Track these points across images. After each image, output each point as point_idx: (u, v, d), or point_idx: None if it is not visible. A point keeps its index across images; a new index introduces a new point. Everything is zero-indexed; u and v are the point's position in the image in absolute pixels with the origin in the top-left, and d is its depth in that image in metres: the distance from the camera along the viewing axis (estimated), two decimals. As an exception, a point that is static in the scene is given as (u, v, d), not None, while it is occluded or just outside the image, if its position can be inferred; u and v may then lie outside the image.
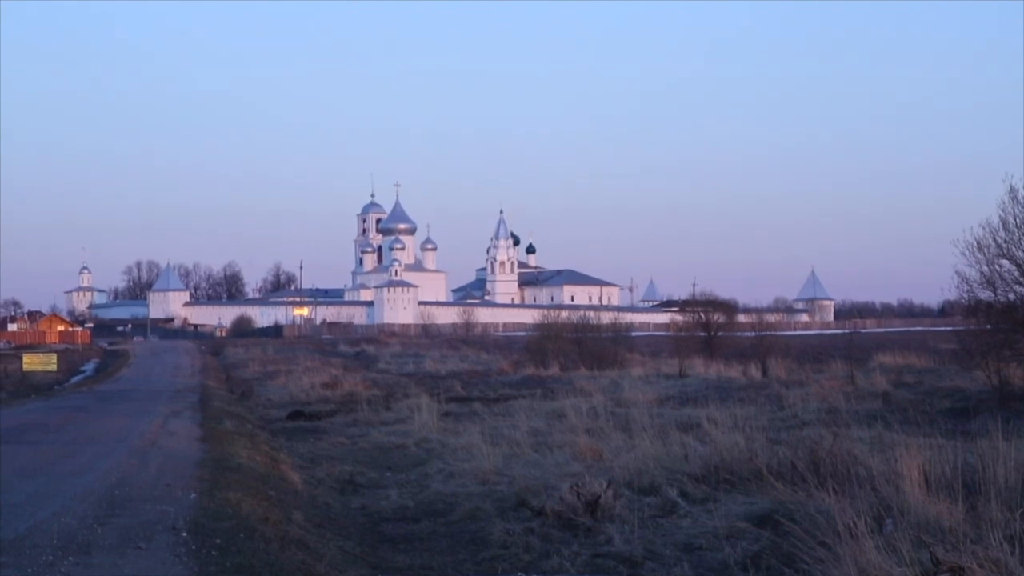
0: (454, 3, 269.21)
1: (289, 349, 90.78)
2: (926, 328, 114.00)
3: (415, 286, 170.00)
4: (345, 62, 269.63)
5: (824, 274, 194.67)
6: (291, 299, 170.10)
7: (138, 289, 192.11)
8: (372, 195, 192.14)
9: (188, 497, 14.43)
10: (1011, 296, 30.46)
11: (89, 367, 71.93)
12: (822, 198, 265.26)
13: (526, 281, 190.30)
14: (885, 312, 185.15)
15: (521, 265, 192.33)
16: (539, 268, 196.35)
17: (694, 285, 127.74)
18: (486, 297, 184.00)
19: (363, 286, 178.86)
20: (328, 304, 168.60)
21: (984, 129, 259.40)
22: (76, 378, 59.79)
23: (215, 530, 12.02)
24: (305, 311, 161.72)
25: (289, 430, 29.36)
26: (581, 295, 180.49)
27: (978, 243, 29.99)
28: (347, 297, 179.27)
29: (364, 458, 22.65)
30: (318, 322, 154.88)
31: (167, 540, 11.50)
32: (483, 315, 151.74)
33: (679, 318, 78.98)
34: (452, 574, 12.09)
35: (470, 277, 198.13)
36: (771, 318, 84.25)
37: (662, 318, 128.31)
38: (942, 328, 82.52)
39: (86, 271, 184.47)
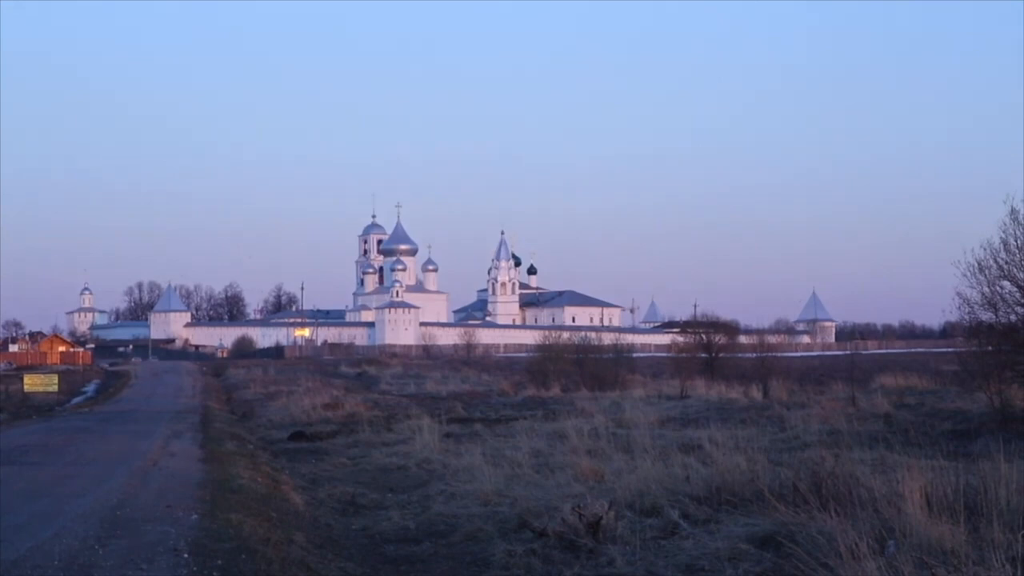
0: (456, 24, 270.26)
1: (290, 370, 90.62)
2: (927, 349, 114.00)
3: (416, 307, 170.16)
4: (347, 81, 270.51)
5: (825, 295, 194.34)
6: (292, 320, 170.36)
7: (139, 310, 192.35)
8: (373, 216, 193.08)
9: (189, 518, 14.42)
10: (1012, 317, 30.40)
11: (90, 388, 71.80)
12: (823, 219, 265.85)
13: (527, 302, 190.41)
14: (886, 333, 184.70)
15: (522, 286, 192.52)
16: (540, 289, 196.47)
17: (695, 306, 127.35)
18: (487, 318, 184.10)
19: (364, 307, 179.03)
20: (329, 325, 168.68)
21: (985, 150, 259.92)
22: (77, 399, 59.62)
23: (217, 551, 12.02)
24: (306, 332, 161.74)
25: (290, 451, 29.33)
26: (582, 316, 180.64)
27: (979, 264, 29.96)
28: (348, 318, 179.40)
29: (365, 479, 22.63)
30: (319, 343, 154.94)
31: (168, 561, 11.49)
32: (484, 336, 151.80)
33: (680, 339, 78.94)
34: (454, 595, 12.07)
35: (471, 298, 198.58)
36: (772, 339, 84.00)
37: (663, 339, 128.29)
38: (944, 349, 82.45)
39: (87, 292, 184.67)
